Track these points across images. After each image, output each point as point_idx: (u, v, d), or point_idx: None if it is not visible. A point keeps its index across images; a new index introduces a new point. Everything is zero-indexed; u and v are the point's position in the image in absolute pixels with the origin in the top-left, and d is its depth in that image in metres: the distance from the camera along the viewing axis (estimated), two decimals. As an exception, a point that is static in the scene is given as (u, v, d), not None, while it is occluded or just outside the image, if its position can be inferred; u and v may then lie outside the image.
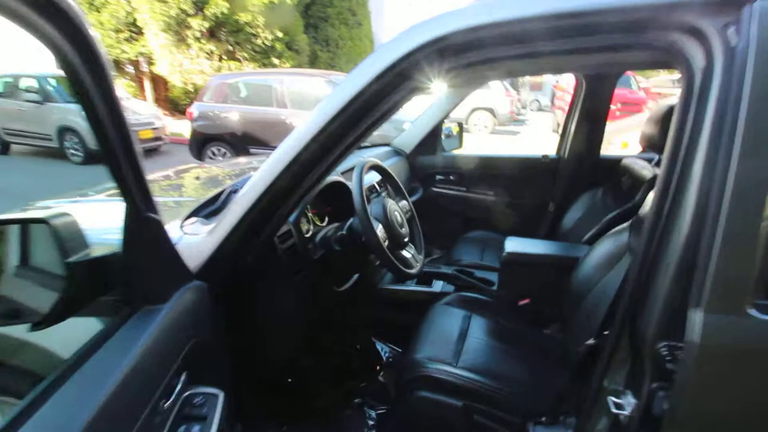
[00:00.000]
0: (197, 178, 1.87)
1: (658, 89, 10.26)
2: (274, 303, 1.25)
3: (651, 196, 1.33)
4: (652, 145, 1.85)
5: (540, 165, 2.46)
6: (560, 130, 2.49)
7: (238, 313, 1.12)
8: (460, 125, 2.72)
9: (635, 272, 0.85)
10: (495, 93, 10.42)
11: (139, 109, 7.71)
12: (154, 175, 1.84)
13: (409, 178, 2.56)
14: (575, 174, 2.35)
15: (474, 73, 0.97)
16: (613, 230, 1.46)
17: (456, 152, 2.70)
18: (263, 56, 9.58)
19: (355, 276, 1.52)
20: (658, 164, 1.91)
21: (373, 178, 1.77)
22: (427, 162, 2.63)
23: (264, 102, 6.18)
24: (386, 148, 2.51)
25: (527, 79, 14.91)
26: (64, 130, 6.98)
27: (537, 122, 12.87)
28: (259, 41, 9.36)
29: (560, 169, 2.41)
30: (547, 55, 0.87)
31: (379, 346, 1.87)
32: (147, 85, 11.25)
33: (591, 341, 1.06)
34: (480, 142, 8.88)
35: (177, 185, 1.84)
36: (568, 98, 8.81)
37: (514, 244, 1.76)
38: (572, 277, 1.53)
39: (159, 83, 11.20)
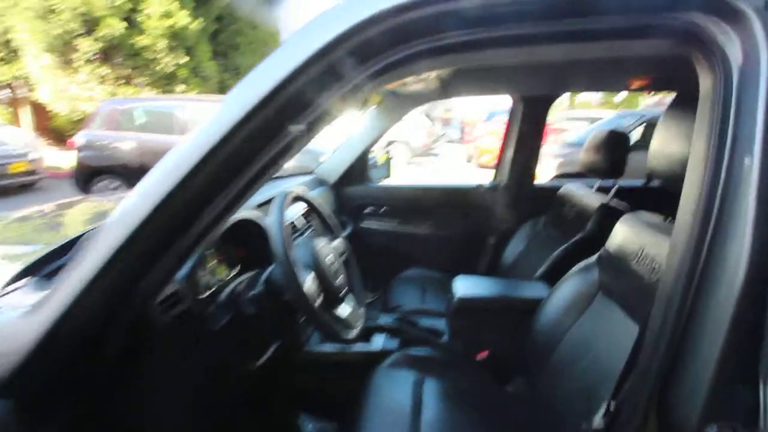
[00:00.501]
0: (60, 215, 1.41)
1: (557, 125, 11.21)
2: (155, 403, 0.85)
3: (618, 229, 1.19)
4: (594, 170, 1.77)
5: (476, 195, 2.31)
6: (473, 162, 2.39)
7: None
8: (388, 153, 2.51)
9: (667, 330, 0.63)
10: (410, 125, 10.61)
11: (8, 139, 6.56)
12: (26, 210, 1.40)
13: (337, 211, 2.26)
14: (514, 203, 2.22)
15: (426, 67, 0.71)
16: (578, 267, 1.28)
17: (386, 182, 2.46)
18: (166, 82, 8.80)
19: (276, 344, 1.16)
20: (601, 190, 1.82)
21: (295, 212, 1.45)
22: (355, 193, 2.36)
23: (164, 129, 5.53)
24: (308, 177, 2.20)
25: (437, 113, 15.58)
26: None
27: (449, 155, 13.35)
28: (160, 66, 8.60)
29: (498, 199, 2.27)
30: (533, 43, 0.64)
31: (309, 425, 1.49)
32: (25, 111, 9.81)
33: (599, 423, 0.82)
34: (399, 174, 8.88)
35: (56, 224, 1.40)
36: (476, 132, 9.32)
37: (464, 286, 1.52)
38: (535, 322, 1.32)
39: (41, 110, 9.83)
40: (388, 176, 2.49)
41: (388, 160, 2.50)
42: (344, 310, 1.13)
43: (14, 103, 9.93)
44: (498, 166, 2.33)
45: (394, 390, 1.23)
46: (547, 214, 1.99)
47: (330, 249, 1.13)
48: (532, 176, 2.25)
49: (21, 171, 6.37)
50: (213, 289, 1.04)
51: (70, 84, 8.38)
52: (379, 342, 1.53)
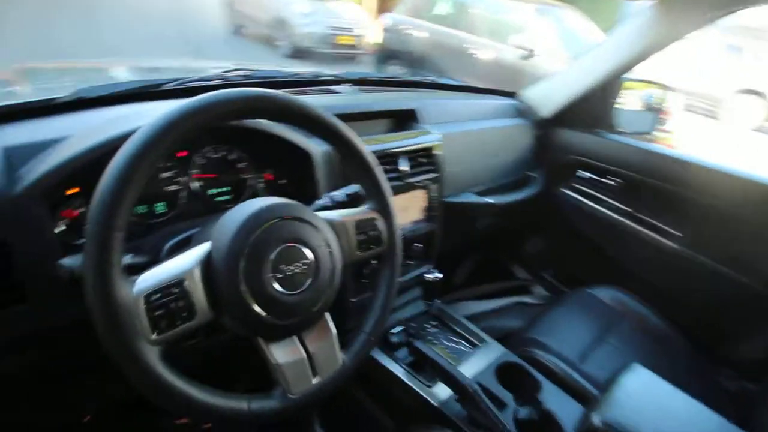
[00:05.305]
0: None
1: None
2: None
3: None
4: None
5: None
6: None
7: None
8: (665, 90, 1.48)
9: None
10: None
11: (343, 13, 7.50)
12: None
13: (529, 160, 1.52)
14: None
15: None
16: None
17: (639, 140, 1.50)
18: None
19: None
20: None
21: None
22: (574, 142, 1.52)
23: (455, 23, 5.23)
24: (504, 101, 1.50)
25: None
26: (278, 21, 7.20)
27: None
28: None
29: None
30: None
31: None
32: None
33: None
34: (737, 140, 6.32)
35: None
36: None
37: None
38: None
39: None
40: (649, 131, 1.52)
41: (664, 103, 1.50)
42: None
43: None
44: None
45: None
46: None
47: None
48: None
49: (346, 44, 7.28)
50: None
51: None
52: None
